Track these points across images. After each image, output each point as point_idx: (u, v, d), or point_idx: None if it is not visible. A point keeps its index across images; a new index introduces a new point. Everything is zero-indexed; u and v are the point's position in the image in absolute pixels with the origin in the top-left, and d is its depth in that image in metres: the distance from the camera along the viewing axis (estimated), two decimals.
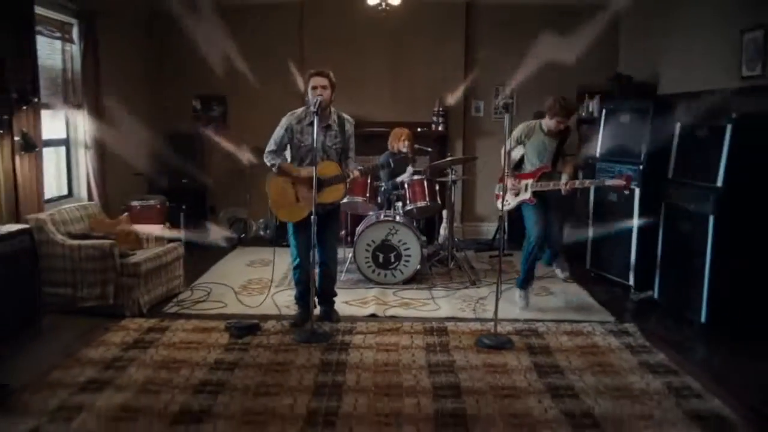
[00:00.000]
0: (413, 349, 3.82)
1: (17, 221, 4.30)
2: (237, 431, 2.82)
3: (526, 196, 4.51)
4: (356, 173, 4.08)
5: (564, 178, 4.45)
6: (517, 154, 4.63)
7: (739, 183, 4.04)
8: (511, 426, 2.88)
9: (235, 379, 3.36)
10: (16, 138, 4.33)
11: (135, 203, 5.76)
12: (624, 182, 4.37)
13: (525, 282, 4.66)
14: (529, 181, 4.51)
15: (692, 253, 4.27)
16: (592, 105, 6.67)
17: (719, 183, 4.10)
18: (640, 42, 6.61)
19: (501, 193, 4.30)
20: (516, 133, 4.52)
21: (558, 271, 4.84)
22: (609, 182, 4.49)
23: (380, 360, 3.65)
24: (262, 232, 7.22)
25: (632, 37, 6.85)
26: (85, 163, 5.62)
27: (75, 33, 5.49)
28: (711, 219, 4.12)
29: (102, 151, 5.70)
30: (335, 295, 4.45)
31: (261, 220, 7.23)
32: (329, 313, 4.34)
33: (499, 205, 4.36)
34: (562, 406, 3.07)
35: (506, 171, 4.10)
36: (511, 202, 4.60)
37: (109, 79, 5.83)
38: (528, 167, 4.57)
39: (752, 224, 4.05)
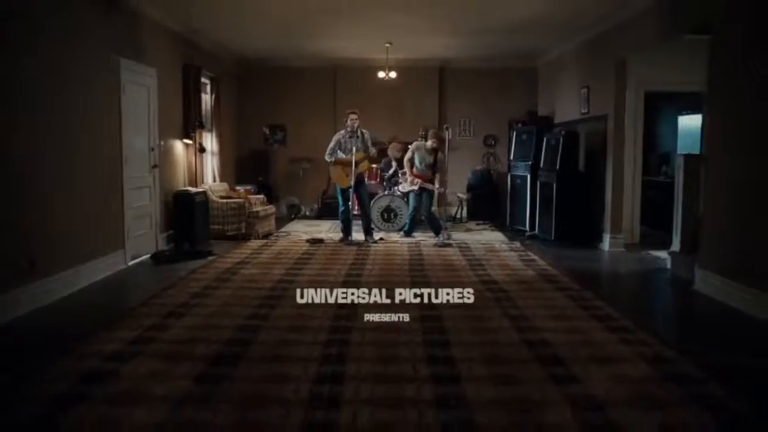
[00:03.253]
0: (402, 248, 7.70)
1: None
2: (324, 264, 6.65)
3: (415, 188, 8.36)
4: (373, 151, 8.03)
5: (436, 183, 8.32)
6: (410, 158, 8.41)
7: (566, 165, 7.98)
8: (444, 263, 6.74)
9: (316, 254, 7.22)
10: (197, 145, 8.31)
11: (239, 187, 9.69)
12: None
13: (408, 232, 8.57)
14: (419, 180, 8.34)
15: (548, 205, 8.18)
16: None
17: (558, 167, 8.04)
18: (547, 91, 10.59)
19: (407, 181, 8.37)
20: (412, 147, 8.33)
21: (439, 239, 8.37)
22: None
23: (386, 253, 7.52)
24: (308, 213, 11.12)
25: (544, 88, 10.84)
26: (211, 163, 9.59)
27: (208, 88, 9.50)
28: (555, 186, 8.04)
29: (220, 157, 9.68)
30: (373, 228, 8.29)
31: (308, 205, 11.14)
32: (371, 238, 8.10)
33: (402, 189, 8.55)
34: (468, 259, 6.94)
35: (408, 170, 8.29)
36: (407, 188, 8.50)
37: (223, 115, 9.84)
38: (417, 170, 8.33)
39: (572, 187, 7.96)
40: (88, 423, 2.75)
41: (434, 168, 8.32)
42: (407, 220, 8.68)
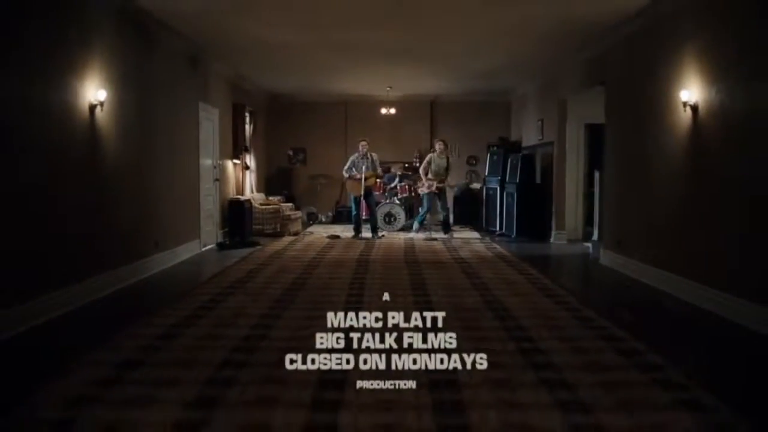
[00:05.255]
0: (399, 242, 10.19)
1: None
2: (343, 250, 9.14)
3: (433, 188, 10.91)
4: (380, 171, 10.60)
5: (449, 181, 10.92)
6: (425, 166, 11.00)
7: (523, 179, 10.52)
8: (429, 250, 9.23)
9: (336, 245, 9.71)
10: (243, 164, 10.87)
11: (271, 197, 12.23)
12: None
13: (420, 226, 11.02)
14: (434, 183, 10.90)
15: (511, 210, 10.70)
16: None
17: (517, 180, 10.58)
18: (516, 121, 13.16)
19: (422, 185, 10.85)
20: (427, 157, 10.94)
21: (447, 236, 11.07)
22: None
23: (387, 244, 10.03)
24: (324, 219, 13.64)
25: (514, 118, 13.42)
26: (249, 178, 12.13)
27: (248, 119, 12.06)
28: (515, 195, 10.57)
29: (256, 173, 12.24)
30: (378, 227, 10.80)
31: (324, 213, 13.68)
32: (376, 235, 10.64)
33: (420, 191, 10.94)
34: (448, 248, 9.43)
35: (423, 177, 10.71)
36: (425, 190, 11.02)
37: (258, 139, 12.41)
38: (431, 175, 10.91)
39: (528, 196, 10.49)
40: (224, 309, 5.23)
41: (447, 170, 10.84)
42: (418, 219, 11.12)
